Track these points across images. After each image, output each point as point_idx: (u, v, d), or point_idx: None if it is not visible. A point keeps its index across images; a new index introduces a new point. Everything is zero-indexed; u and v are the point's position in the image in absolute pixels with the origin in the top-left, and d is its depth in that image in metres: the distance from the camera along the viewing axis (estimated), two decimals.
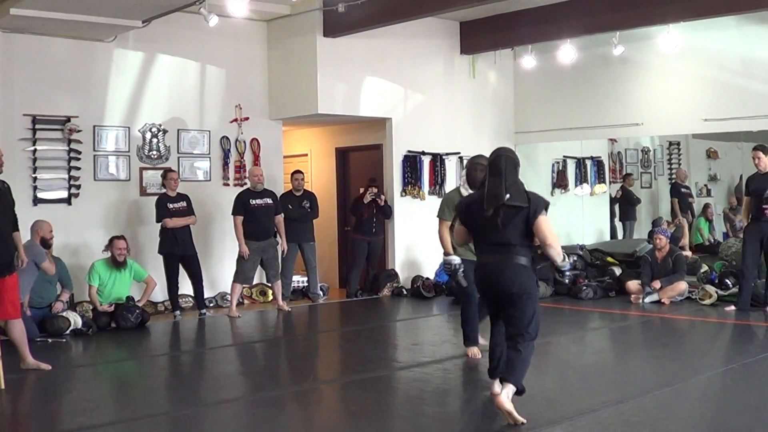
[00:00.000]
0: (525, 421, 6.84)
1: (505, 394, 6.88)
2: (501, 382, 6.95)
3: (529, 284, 7.06)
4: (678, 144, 18.50)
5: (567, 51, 14.91)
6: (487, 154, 16.47)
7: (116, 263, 12.18)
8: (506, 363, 7.23)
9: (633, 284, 13.92)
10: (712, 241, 17.84)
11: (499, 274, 7.09)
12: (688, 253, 15.00)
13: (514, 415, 6.84)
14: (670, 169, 18.72)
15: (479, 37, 15.96)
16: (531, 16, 14.76)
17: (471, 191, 8.68)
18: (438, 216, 9.38)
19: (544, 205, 7.03)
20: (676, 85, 15.05)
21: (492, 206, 7.00)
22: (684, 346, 10.60)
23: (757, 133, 14.43)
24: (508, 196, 6.94)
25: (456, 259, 8.80)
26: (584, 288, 14.23)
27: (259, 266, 13.49)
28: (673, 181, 18.39)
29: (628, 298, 13.80)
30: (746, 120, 14.06)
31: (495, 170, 7.12)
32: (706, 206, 18.43)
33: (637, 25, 14.03)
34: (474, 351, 9.52)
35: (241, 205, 13.16)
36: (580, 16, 14.17)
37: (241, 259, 13.14)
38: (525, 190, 7.06)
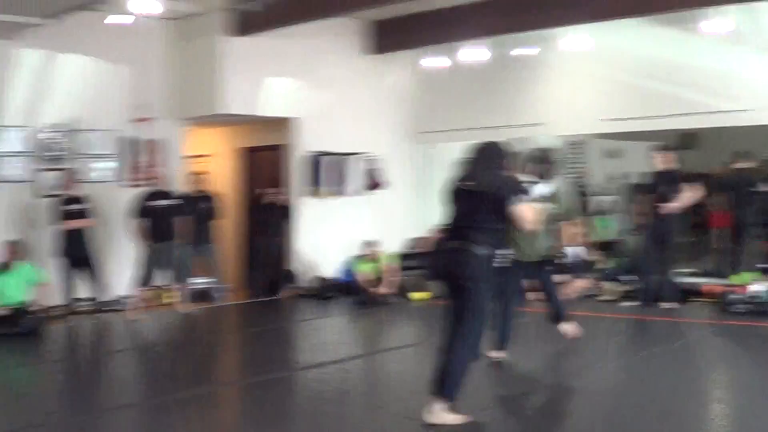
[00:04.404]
0: (464, 420, 6.86)
1: (430, 408, 6.84)
2: (431, 393, 6.86)
3: (476, 275, 6.86)
4: (579, 144, 18.73)
5: (470, 52, 15.05)
6: (390, 154, 16.74)
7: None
8: (436, 371, 6.94)
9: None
10: (611, 238, 18.09)
11: (451, 261, 6.99)
12: (592, 258, 15.20)
13: (449, 423, 6.80)
14: (572, 168, 18.95)
15: (383, 38, 16.01)
16: (435, 17, 14.82)
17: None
18: None
19: (516, 193, 6.92)
20: (577, 86, 15.23)
21: (455, 190, 7.11)
22: (582, 342, 10.75)
23: (656, 132, 14.69)
24: (467, 183, 6.98)
25: None
26: None
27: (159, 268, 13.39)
28: (575, 180, 18.62)
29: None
30: (645, 120, 14.29)
31: (468, 159, 7.22)
32: (606, 205, 18.70)
33: (538, 27, 14.16)
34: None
35: (139, 207, 13.07)
36: (483, 18, 14.25)
37: (141, 261, 13.01)
38: (499, 177, 7.00)
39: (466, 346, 6.87)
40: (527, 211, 6.89)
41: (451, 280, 7.01)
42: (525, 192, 7.05)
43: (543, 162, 9.58)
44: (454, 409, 6.87)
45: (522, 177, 7.89)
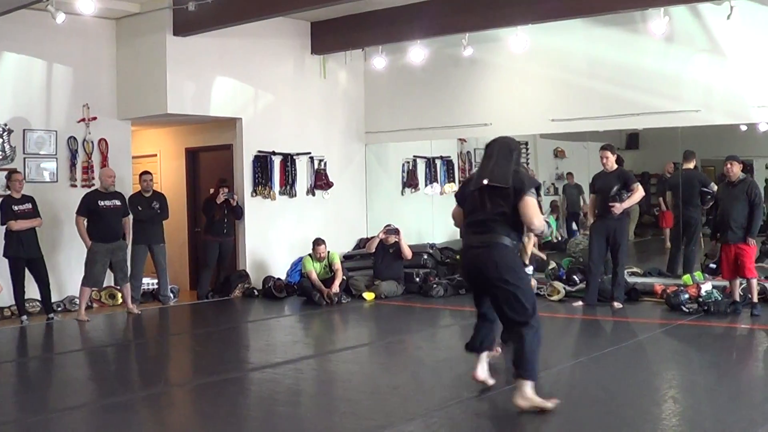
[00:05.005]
0: (553, 405, 7.14)
1: (520, 393, 7.09)
2: (515, 378, 7.17)
3: (511, 265, 7.21)
4: (526, 144, 18.78)
5: (417, 52, 15.08)
6: (338, 154, 16.76)
7: None
8: (514, 357, 7.24)
9: None
10: (560, 238, 18.20)
11: (481, 255, 7.27)
12: (541, 254, 15.29)
13: (539, 407, 7.08)
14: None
15: (330, 38, 15.99)
16: (381, 17, 14.85)
17: None
18: None
19: (532, 186, 7.23)
20: (524, 86, 15.32)
21: (476, 186, 7.36)
22: None
23: (603, 132, 14.78)
24: (486, 180, 7.24)
25: None
26: (434, 286, 14.43)
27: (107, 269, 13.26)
28: None
29: None
30: (592, 120, 14.40)
31: (486, 155, 7.54)
32: (554, 204, 18.80)
33: (485, 27, 14.23)
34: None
35: (85, 206, 12.95)
36: (430, 18, 14.31)
37: (89, 261, 12.89)
38: (513, 172, 7.24)
39: (533, 330, 7.19)
40: (536, 207, 7.24)
41: (482, 275, 7.31)
42: (536, 186, 7.37)
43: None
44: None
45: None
